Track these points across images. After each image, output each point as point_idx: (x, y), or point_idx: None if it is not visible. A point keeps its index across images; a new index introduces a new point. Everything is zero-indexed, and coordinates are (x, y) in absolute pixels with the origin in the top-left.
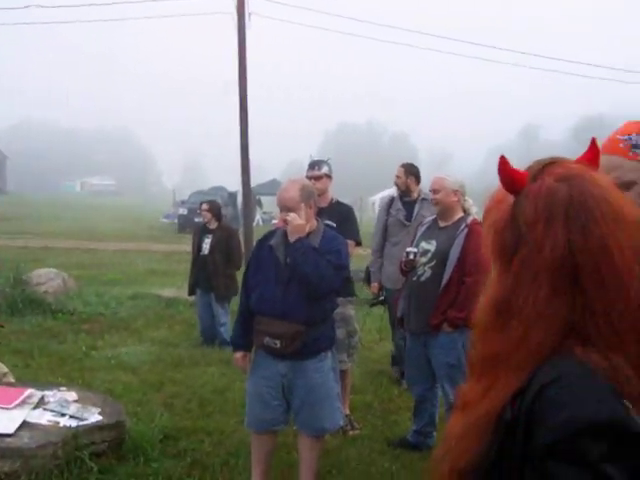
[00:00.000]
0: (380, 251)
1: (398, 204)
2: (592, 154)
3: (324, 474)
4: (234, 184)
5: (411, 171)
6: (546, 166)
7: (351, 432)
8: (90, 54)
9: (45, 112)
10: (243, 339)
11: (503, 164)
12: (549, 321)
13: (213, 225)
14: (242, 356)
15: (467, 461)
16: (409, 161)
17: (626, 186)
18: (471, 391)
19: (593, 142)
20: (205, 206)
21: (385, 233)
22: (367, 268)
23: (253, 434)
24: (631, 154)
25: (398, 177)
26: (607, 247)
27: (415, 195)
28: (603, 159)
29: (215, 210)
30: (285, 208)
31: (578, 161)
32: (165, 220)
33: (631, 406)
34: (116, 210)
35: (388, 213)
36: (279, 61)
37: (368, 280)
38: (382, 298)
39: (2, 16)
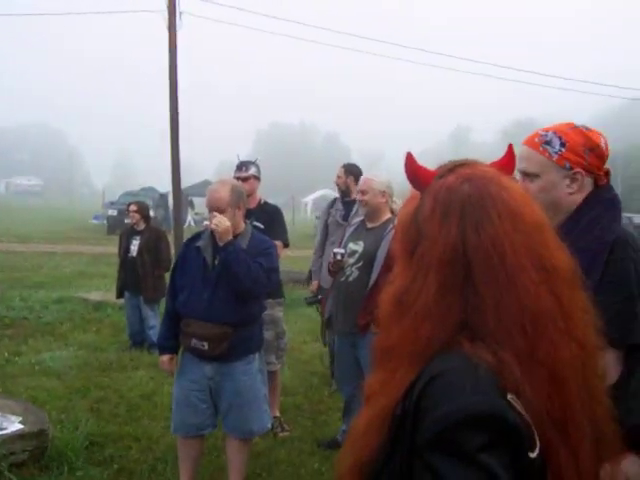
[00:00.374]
0: (321, 250)
1: (339, 204)
2: (507, 159)
3: (253, 476)
4: (165, 185)
5: (351, 171)
6: (456, 167)
7: (281, 434)
8: (10, 49)
9: None
10: (169, 341)
11: (409, 161)
12: (439, 316)
13: (141, 226)
14: (168, 359)
15: (367, 456)
16: (342, 161)
17: (530, 178)
18: (373, 384)
19: (510, 148)
20: (133, 207)
21: (326, 233)
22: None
23: (180, 439)
24: (541, 149)
25: (339, 177)
26: (500, 246)
27: (354, 195)
28: (521, 149)
29: (143, 211)
30: (214, 209)
31: (492, 165)
32: (94, 221)
33: (515, 399)
34: (43, 211)
35: (329, 213)
36: (212, 61)
37: (310, 279)
38: (320, 297)
39: None
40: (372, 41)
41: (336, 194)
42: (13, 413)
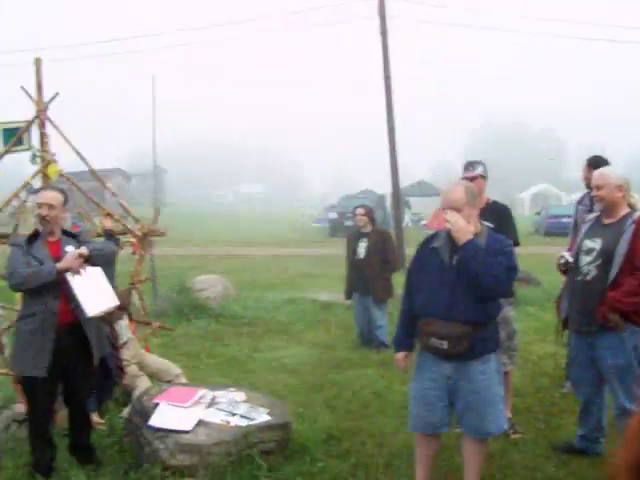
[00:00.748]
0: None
1: (586, 200)
2: None
3: (488, 478)
4: (382, 187)
5: (596, 164)
6: None
7: (513, 435)
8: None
9: (196, 125)
10: (405, 340)
11: None
12: None
13: (368, 229)
14: (404, 357)
15: None
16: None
17: None
18: None
19: None
20: (360, 210)
21: (576, 231)
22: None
23: (417, 436)
24: None
25: (584, 172)
26: None
27: None
28: None
29: (370, 214)
30: (451, 209)
31: None
32: (316, 224)
33: None
34: (267, 216)
35: (577, 210)
36: (420, 62)
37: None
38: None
39: None
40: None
41: (557, 189)
42: (260, 405)
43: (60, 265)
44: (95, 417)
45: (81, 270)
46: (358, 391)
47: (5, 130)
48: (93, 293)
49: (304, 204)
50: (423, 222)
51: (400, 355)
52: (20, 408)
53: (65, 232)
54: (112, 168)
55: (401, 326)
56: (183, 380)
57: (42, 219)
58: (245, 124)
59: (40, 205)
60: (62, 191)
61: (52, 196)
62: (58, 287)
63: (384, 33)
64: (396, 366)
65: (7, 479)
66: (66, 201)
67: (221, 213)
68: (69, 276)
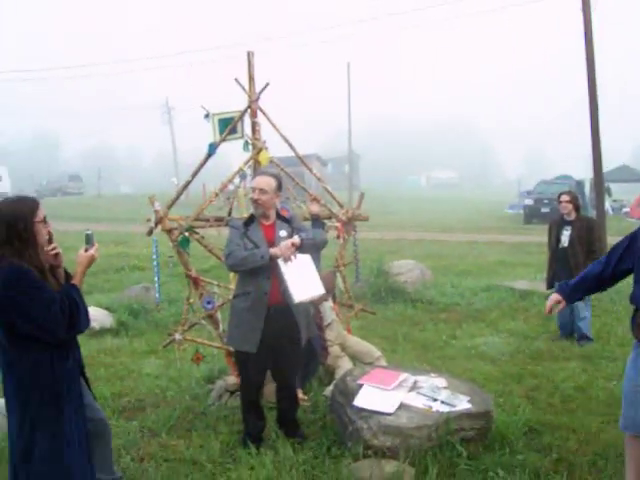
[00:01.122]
0: None
1: None
2: None
3: None
4: (580, 172)
5: None
6: None
7: None
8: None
9: (389, 113)
10: (573, 291)
11: None
12: None
13: (572, 216)
14: (558, 299)
15: None
16: None
17: None
18: None
19: None
20: (566, 197)
21: None
22: None
23: (627, 437)
24: None
25: None
26: None
27: None
28: None
29: (575, 201)
30: None
31: None
32: (509, 211)
33: None
34: (460, 202)
35: None
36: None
37: None
38: None
39: None
40: None
41: None
42: (461, 392)
43: (273, 251)
44: (300, 394)
45: (292, 257)
46: (559, 384)
47: (220, 120)
48: (301, 280)
49: (497, 190)
50: (625, 210)
51: (556, 296)
52: (232, 380)
53: (280, 216)
54: (309, 154)
55: (579, 280)
56: (383, 363)
57: (254, 202)
58: (437, 109)
59: (253, 189)
60: (276, 177)
61: (265, 181)
62: (270, 269)
63: (586, 8)
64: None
65: (223, 442)
66: (279, 187)
67: (414, 198)
68: (280, 262)
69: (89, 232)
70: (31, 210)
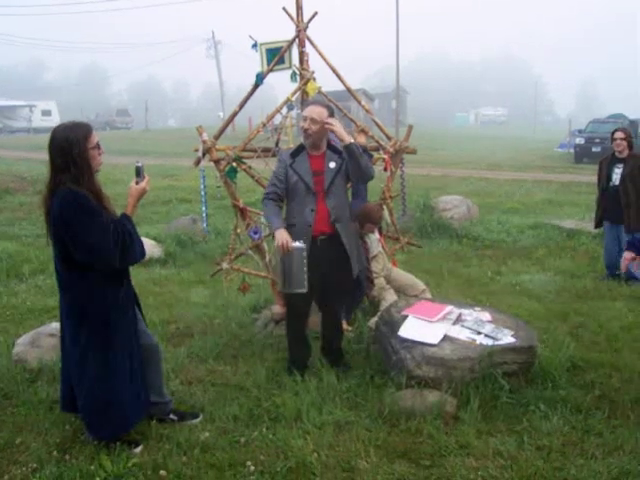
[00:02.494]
0: None
1: None
2: None
3: None
4: (635, 111)
5: None
6: None
7: None
8: None
9: (438, 48)
10: None
11: None
12: None
13: (624, 154)
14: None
15: None
16: None
17: None
18: None
19: None
20: (620, 134)
21: None
22: None
23: None
24: None
25: None
26: None
27: None
28: None
29: (629, 138)
30: None
31: None
32: (559, 150)
33: None
34: (508, 140)
35: None
36: None
37: None
38: None
39: None
40: None
41: None
42: (505, 327)
43: (278, 237)
44: (345, 324)
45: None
46: (604, 323)
47: (268, 50)
48: (290, 273)
49: (547, 128)
50: None
51: (629, 254)
52: (277, 309)
53: (330, 146)
54: (356, 89)
55: None
56: (428, 296)
57: (304, 132)
58: (488, 45)
59: (304, 118)
60: (328, 107)
61: (316, 111)
62: (315, 201)
63: None
64: None
65: (268, 369)
66: (331, 116)
67: (462, 135)
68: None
69: (139, 164)
70: (84, 136)
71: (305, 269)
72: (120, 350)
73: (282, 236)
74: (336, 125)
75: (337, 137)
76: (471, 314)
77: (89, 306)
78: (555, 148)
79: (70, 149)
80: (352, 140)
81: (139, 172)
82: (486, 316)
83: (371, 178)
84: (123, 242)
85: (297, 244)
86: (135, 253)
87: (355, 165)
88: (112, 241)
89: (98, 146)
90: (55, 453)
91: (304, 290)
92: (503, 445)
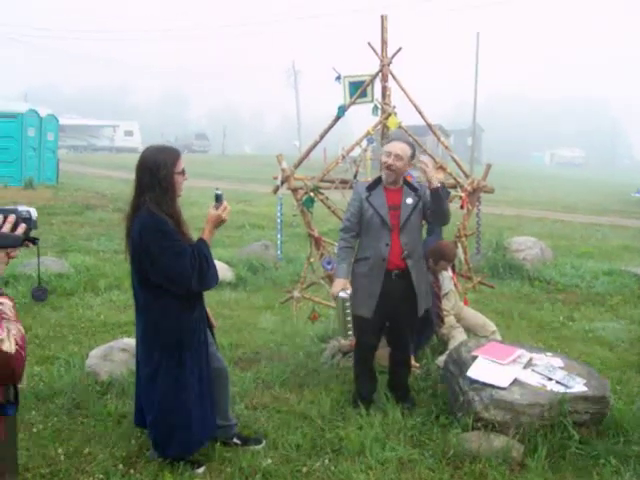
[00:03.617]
0: None
1: None
2: None
3: None
4: None
5: None
6: None
7: None
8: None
9: (516, 86)
10: None
11: None
12: None
13: None
14: None
15: None
16: None
17: None
18: None
19: None
20: None
21: None
22: None
23: None
24: None
25: None
26: None
27: None
28: None
29: None
30: None
31: None
32: (638, 195)
33: None
34: (584, 182)
35: None
36: None
37: None
38: None
39: None
40: None
41: None
42: (577, 374)
43: (337, 284)
44: (413, 360)
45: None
46: None
47: (351, 83)
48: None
49: (625, 172)
50: None
51: None
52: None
53: (406, 182)
54: (433, 124)
55: None
56: (498, 338)
57: (387, 167)
58: (567, 87)
59: (388, 154)
60: (411, 145)
61: (401, 148)
62: (390, 236)
63: None
64: None
65: (333, 399)
66: (413, 155)
67: (537, 176)
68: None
69: (219, 192)
70: (172, 160)
71: (348, 319)
72: (191, 371)
73: (335, 286)
74: (429, 166)
75: (426, 178)
76: (542, 359)
77: (163, 326)
78: (633, 193)
79: (157, 171)
80: (439, 184)
81: (218, 199)
82: (558, 362)
83: (448, 222)
84: (200, 267)
85: (342, 294)
86: (210, 278)
87: (438, 209)
88: (189, 265)
89: (183, 172)
90: (121, 466)
91: (345, 339)
92: None
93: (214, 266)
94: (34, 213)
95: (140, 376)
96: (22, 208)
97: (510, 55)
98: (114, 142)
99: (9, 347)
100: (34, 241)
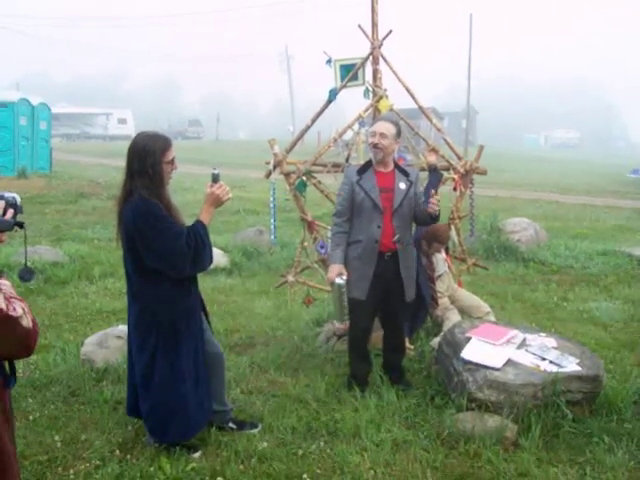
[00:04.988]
0: None
1: None
2: None
3: None
4: None
5: None
6: None
7: None
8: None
9: (510, 68)
10: None
11: None
12: None
13: None
14: None
15: None
16: None
17: None
18: None
19: None
20: None
21: None
22: None
23: None
24: None
25: None
26: None
27: None
28: None
29: None
30: None
31: None
32: (632, 176)
33: None
34: (579, 164)
35: None
36: None
37: None
38: None
39: None
40: None
41: None
42: (571, 354)
43: (332, 269)
44: (407, 342)
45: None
46: None
47: (342, 66)
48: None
49: (620, 153)
50: None
51: None
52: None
53: (397, 166)
54: (427, 107)
55: None
56: (492, 319)
57: (374, 147)
58: (561, 68)
59: (374, 134)
60: (396, 123)
61: (385, 127)
62: (382, 218)
63: None
64: None
65: (328, 383)
66: (399, 133)
67: (532, 157)
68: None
69: (216, 172)
70: (162, 148)
71: (345, 304)
72: (186, 357)
73: (331, 271)
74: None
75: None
76: (536, 339)
77: (158, 312)
78: (628, 174)
79: (145, 158)
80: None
81: (215, 179)
82: (551, 342)
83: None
84: (196, 247)
85: (338, 280)
86: (205, 260)
87: (424, 216)
88: (185, 246)
89: (173, 161)
90: (117, 452)
91: (340, 323)
92: (564, 476)
93: (210, 247)
94: (18, 199)
95: (134, 364)
96: (8, 194)
97: (504, 37)
98: (108, 130)
99: (27, 323)
100: (21, 225)
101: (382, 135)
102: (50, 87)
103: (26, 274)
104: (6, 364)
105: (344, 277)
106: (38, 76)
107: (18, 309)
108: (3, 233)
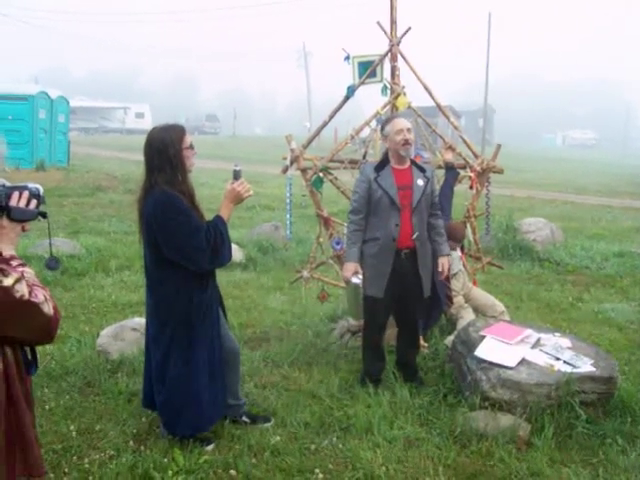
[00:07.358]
0: None
1: None
2: None
3: None
4: None
5: None
6: None
7: None
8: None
9: (529, 67)
10: None
11: None
12: None
13: None
14: None
15: None
16: None
17: None
18: None
19: None
20: None
21: None
22: None
23: None
24: None
25: None
26: None
27: None
28: None
29: None
30: None
31: None
32: None
33: None
34: (596, 164)
35: None
36: None
37: None
38: None
39: None
40: None
41: None
42: (585, 355)
43: (348, 267)
44: (421, 340)
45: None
46: None
47: (360, 63)
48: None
49: (638, 154)
50: None
51: None
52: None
53: (413, 162)
54: (444, 105)
55: None
56: (506, 318)
57: (407, 143)
58: (580, 68)
59: (400, 131)
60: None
61: (408, 122)
62: (399, 216)
63: None
64: None
65: (342, 379)
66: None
67: (550, 157)
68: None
69: (237, 168)
70: (179, 137)
71: (360, 302)
72: (202, 351)
73: (347, 270)
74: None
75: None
76: (550, 339)
77: (175, 305)
78: None
79: (166, 150)
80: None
81: (237, 176)
82: (566, 342)
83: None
84: (215, 243)
85: (355, 279)
86: (224, 255)
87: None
88: (204, 241)
89: (192, 146)
90: (131, 443)
91: (355, 320)
92: (577, 477)
93: (229, 243)
94: (41, 189)
95: (151, 357)
96: (32, 185)
97: (523, 35)
98: (125, 124)
99: (48, 310)
100: (45, 215)
101: (409, 130)
102: (68, 81)
103: (53, 263)
104: (28, 351)
105: (360, 276)
106: (56, 70)
107: (40, 296)
108: (27, 222)
